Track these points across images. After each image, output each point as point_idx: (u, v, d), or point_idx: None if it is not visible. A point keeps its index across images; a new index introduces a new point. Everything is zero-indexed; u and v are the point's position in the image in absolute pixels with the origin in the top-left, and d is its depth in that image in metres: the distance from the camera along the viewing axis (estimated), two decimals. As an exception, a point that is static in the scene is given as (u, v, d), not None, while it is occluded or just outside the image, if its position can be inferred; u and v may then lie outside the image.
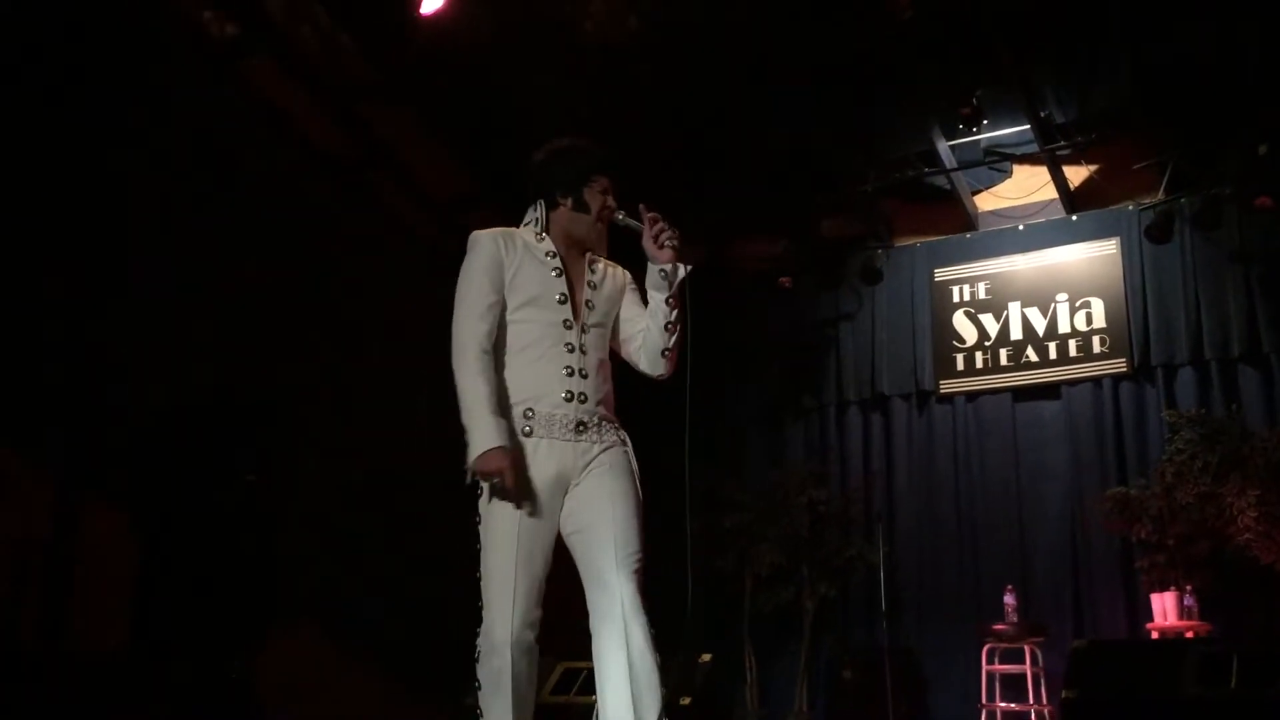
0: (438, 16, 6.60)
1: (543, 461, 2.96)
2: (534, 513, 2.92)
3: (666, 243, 3.04)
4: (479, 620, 2.93)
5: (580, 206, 3.14)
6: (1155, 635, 7.16)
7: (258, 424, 5.67)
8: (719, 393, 9.56)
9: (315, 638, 6.64)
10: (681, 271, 3.06)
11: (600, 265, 3.21)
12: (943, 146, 8.52)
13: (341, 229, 7.58)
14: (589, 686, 5.59)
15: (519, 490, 2.90)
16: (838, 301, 9.44)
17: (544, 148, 3.23)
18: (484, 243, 3.10)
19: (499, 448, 2.85)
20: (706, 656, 6.92)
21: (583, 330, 3.06)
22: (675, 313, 3.10)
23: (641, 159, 8.10)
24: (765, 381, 9.57)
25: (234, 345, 6.41)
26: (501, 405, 2.94)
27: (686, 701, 6.61)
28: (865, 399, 9.27)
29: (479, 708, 2.93)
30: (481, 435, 2.87)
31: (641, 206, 3.10)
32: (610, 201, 3.16)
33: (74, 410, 5.61)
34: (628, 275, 3.27)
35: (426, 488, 7.47)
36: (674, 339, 3.12)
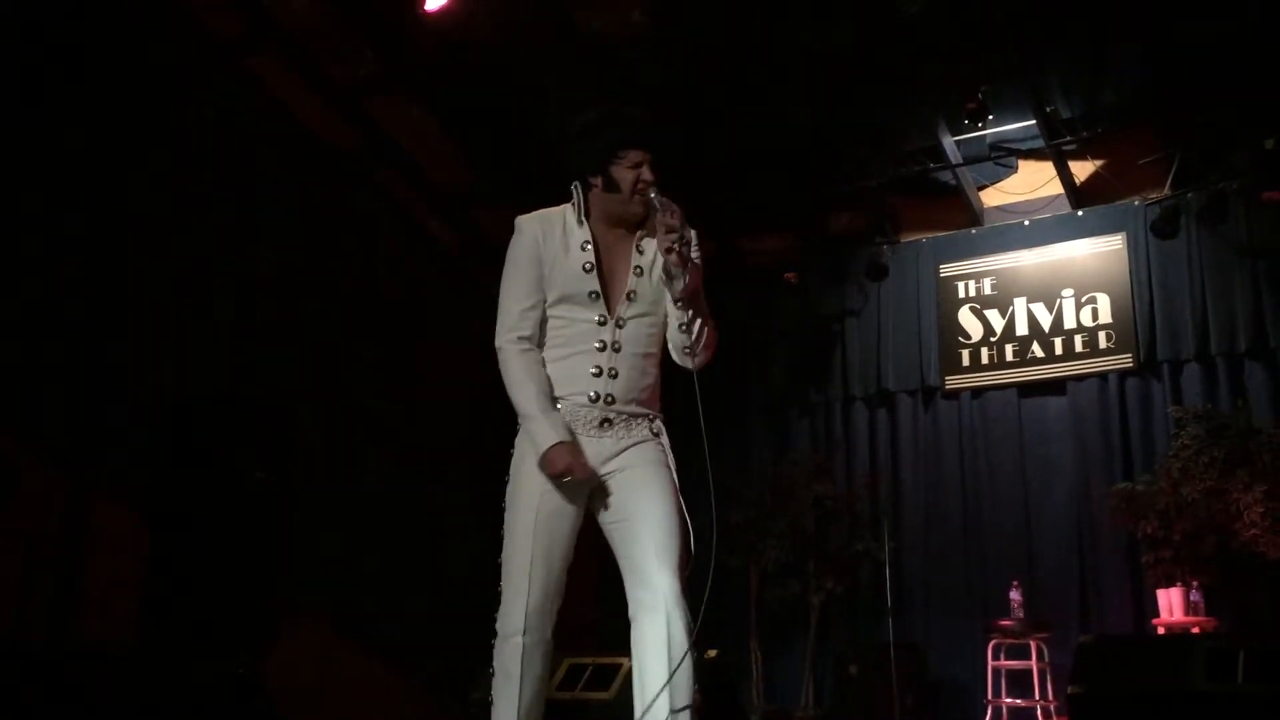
0: (443, 12, 6.61)
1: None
2: (555, 505, 2.89)
3: (671, 246, 2.81)
4: (490, 617, 2.94)
5: (611, 186, 2.92)
6: (1161, 631, 7.16)
7: (267, 420, 5.67)
8: (725, 388, 9.57)
9: (324, 634, 6.66)
10: (680, 282, 2.85)
11: (652, 244, 2.95)
12: (948, 142, 8.51)
13: (350, 224, 7.60)
14: (596, 682, 5.63)
15: (542, 482, 2.87)
16: (844, 297, 9.45)
17: (575, 121, 2.99)
18: (524, 232, 2.98)
19: (559, 444, 2.81)
20: (713, 652, 6.93)
21: (618, 325, 2.92)
22: (691, 313, 2.90)
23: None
24: (771, 377, 9.58)
25: (243, 341, 6.44)
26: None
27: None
28: (871, 395, 9.28)
29: (490, 695, 2.91)
30: (541, 434, 2.83)
31: (661, 199, 2.87)
32: (645, 174, 2.90)
33: (84, 408, 5.64)
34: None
35: (436, 484, 7.52)
36: (697, 339, 2.93)
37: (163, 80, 6.26)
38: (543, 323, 2.95)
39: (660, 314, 3.00)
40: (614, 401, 2.91)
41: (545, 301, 2.94)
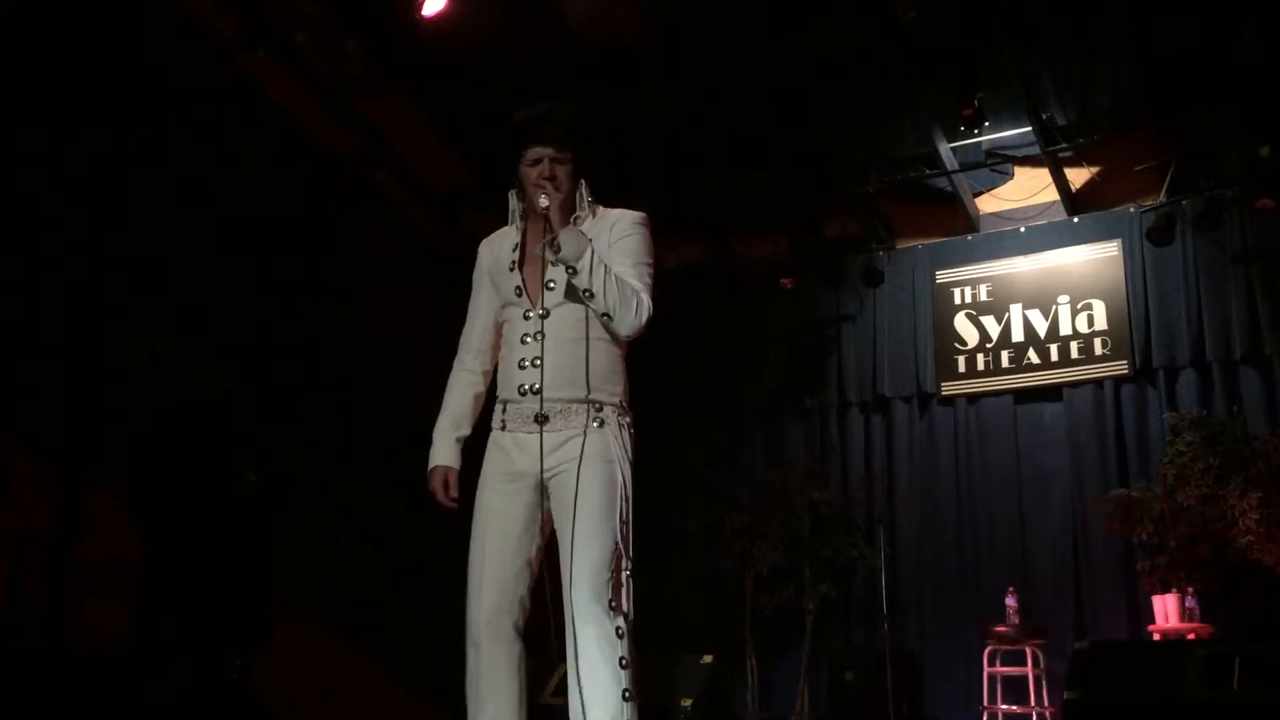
0: (439, 17, 6.60)
1: (513, 454, 2.95)
2: (503, 506, 2.92)
3: (542, 230, 2.91)
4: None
5: (521, 184, 3.03)
6: (1157, 637, 7.15)
7: (261, 421, 5.65)
8: (720, 393, 9.57)
9: (317, 636, 6.63)
10: (556, 260, 2.87)
11: (580, 226, 3.02)
12: (944, 148, 8.51)
13: (343, 226, 7.59)
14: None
15: (489, 485, 2.97)
16: (839, 303, 9.44)
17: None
18: (479, 255, 3.19)
19: (433, 468, 3.06)
20: (708, 658, 6.91)
21: (541, 315, 2.94)
22: (589, 283, 2.86)
23: (643, 158, 8.14)
24: (766, 382, 9.57)
25: (236, 342, 6.42)
26: (480, 409, 3.08)
27: (688, 703, 6.60)
28: (866, 401, 9.27)
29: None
30: (430, 456, 3.09)
31: (547, 190, 2.93)
32: (543, 171, 2.96)
33: (77, 407, 5.62)
34: (620, 224, 3.06)
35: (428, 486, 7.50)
36: (612, 307, 2.88)
37: (158, 80, 6.25)
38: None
39: None
40: (540, 390, 2.89)
41: (498, 316, 3.09)
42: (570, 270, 2.87)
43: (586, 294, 2.88)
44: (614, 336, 2.97)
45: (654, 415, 9.16)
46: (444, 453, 3.06)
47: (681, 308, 9.55)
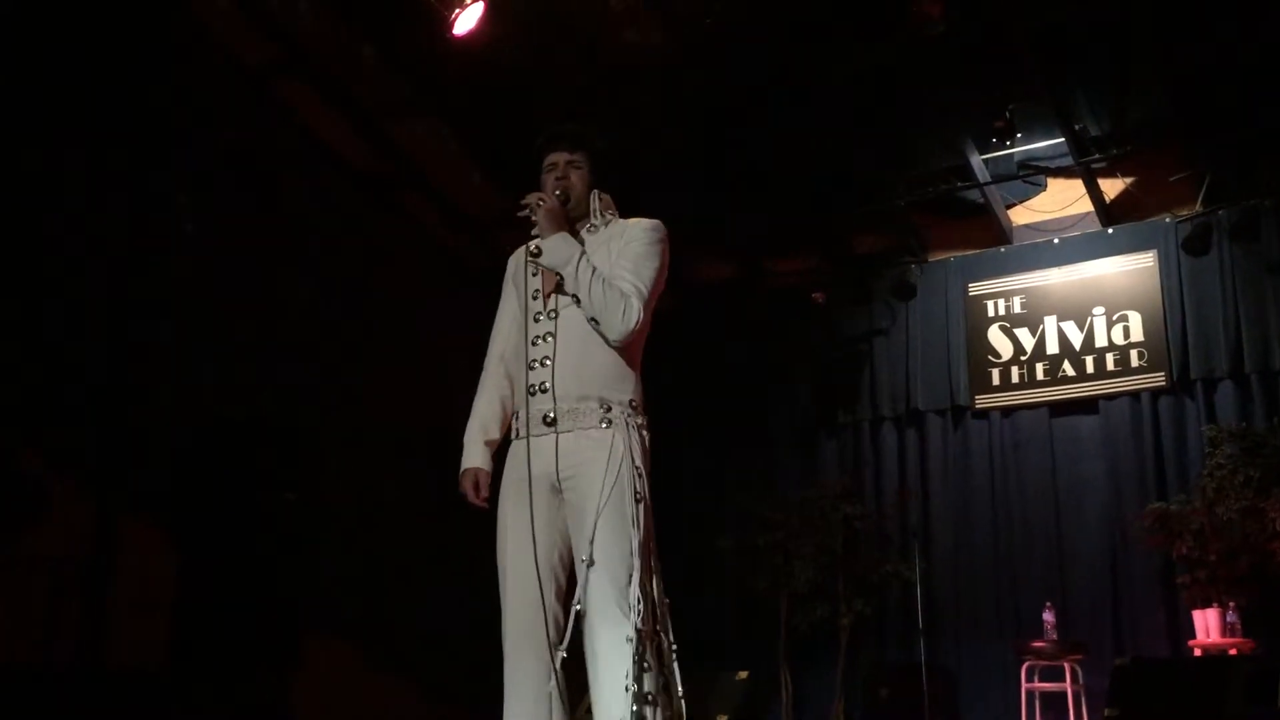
0: (470, 37, 6.64)
1: (526, 459, 2.94)
2: (519, 513, 2.91)
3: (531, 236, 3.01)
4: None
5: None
6: (1198, 653, 7.05)
7: (294, 443, 5.70)
8: (753, 409, 9.55)
9: (350, 655, 6.66)
10: (539, 255, 2.97)
11: (591, 236, 3.10)
12: (976, 160, 8.48)
13: (376, 247, 7.65)
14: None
15: (505, 493, 2.99)
16: (871, 317, 9.40)
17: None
18: (508, 263, 3.25)
19: (464, 470, 3.09)
20: (743, 674, 6.89)
21: (550, 316, 2.99)
22: (567, 283, 2.94)
23: (674, 175, 8.15)
24: (799, 397, 9.54)
25: (270, 363, 6.47)
26: (505, 406, 3.11)
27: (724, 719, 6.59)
28: (900, 415, 9.21)
29: None
30: (463, 456, 3.11)
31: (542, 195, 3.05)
32: (557, 174, 3.11)
33: (113, 430, 5.68)
34: (631, 230, 3.09)
35: (464, 507, 7.52)
36: (587, 310, 2.93)
37: (196, 106, 6.33)
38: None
39: None
40: (549, 390, 2.92)
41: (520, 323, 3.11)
42: (557, 275, 2.95)
43: (574, 299, 2.94)
44: (605, 340, 2.97)
45: (687, 432, 9.23)
46: (474, 455, 3.09)
47: (714, 325, 9.58)
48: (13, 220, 5.37)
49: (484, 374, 3.19)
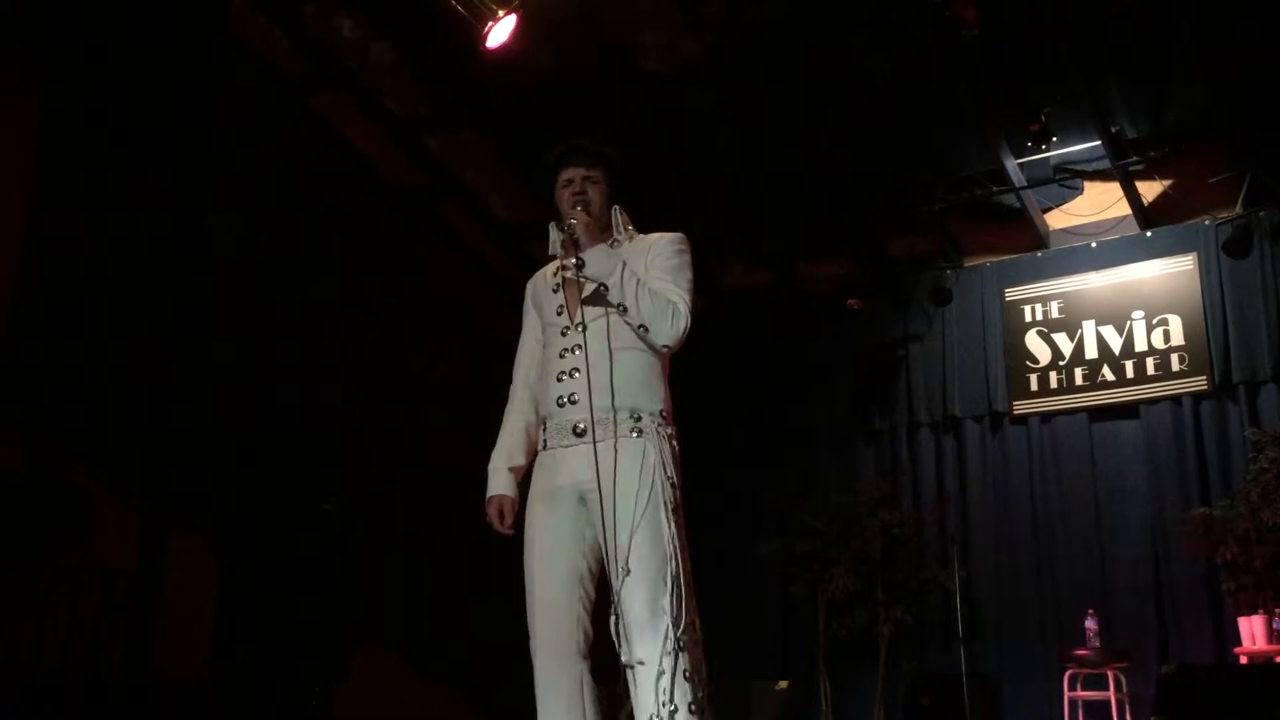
0: (504, 49, 6.68)
1: (553, 471, 2.96)
2: (546, 525, 2.92)
3: (566, 253, 2.97)
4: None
5: (558, 208, 3.10)
6: (1244, 660, 6.98)
7: (337, 455, 5.74)
8: (789, 416, 9.54)
9: (396, 665, 6.69)
10: (584, 279, 2.89)
11: (616, 251, 3.01)
12: (1011, 164, 8.42)
13: (414, 259, 7.70)
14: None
15: (532, 506, 2.99)
16: (907, 322, 9.37)
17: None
18: (527, 289, 3.26)
19: (489, 498, 3.08)
20: (783, 684, 6.88)
21: (578, 328, 2.93)
22: (621, 299, 2.89)
23: (709, 183, 8.15)
24: (835, 404, 9.52)
25: (313, 376, 6.52)
26: (530, 433, 3.10)
27: (763, 728, 6.58)
28: (937, 421, 9.17)
29: None
30: (489, 484, 3.11)
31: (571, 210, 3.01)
32: (574, 190, 3.06)
33: (159, 444, 5.74)
34: (657, 244, 3.07)
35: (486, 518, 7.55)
36: (635, 318, 2.90)
37: (231, 121, 6.39)
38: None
39: None
40: (579, 401, 2.90)
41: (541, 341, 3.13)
42: (602, 287, 2.88)
43: (620, 308, 2.89)
44: (652, 348, 2.96)
45: (724, 440, 9.20)
46: (499, 483, 3.09)
47: (750, 331, 9.58)
48: (59, 239, 5.45)
49: (510, 401, 3.18)
